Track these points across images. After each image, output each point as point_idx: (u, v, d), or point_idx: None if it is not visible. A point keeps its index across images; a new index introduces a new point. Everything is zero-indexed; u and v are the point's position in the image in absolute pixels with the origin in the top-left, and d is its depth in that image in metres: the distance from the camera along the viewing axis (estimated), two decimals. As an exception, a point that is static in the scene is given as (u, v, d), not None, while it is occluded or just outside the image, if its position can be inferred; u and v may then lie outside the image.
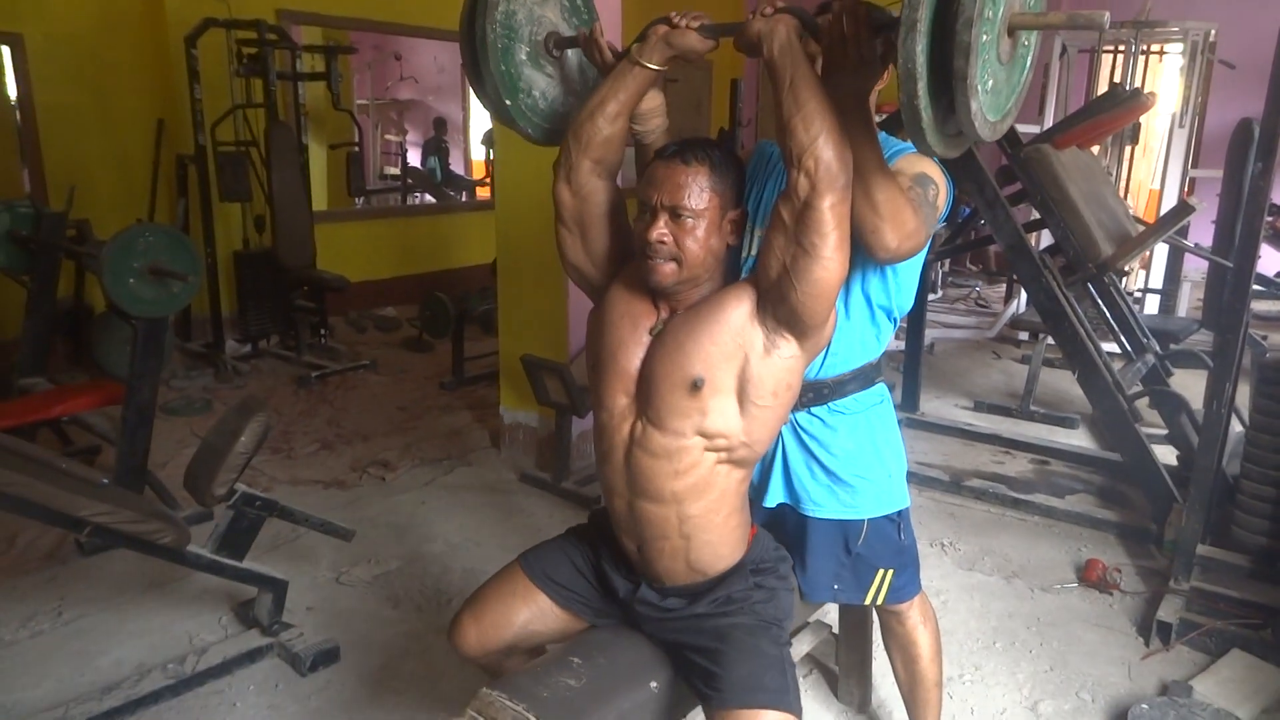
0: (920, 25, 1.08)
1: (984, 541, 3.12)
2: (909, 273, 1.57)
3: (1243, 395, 2.91)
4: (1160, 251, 5.69)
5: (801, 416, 1.64)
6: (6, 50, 4.76)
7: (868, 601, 1.72)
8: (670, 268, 1.38)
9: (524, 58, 1.54)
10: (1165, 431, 3.62)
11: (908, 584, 1.74)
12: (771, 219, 1.33)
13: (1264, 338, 5.52)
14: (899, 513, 1.69)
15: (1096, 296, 3.65)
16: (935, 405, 4.61)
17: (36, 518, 1.92)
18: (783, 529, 1.69)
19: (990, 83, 1.15)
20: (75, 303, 4.71)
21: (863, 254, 1.44)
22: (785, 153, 1.27)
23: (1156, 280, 5.74)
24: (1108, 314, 3.65)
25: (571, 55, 1.62)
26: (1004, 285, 7.34)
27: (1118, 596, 2.75)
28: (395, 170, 9.96)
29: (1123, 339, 3.68)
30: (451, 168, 9.89)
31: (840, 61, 1.27)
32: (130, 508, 2.00)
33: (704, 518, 1.44)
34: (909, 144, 1.55)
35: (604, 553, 1.60)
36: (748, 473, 1.49)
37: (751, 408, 1.39)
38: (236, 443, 2.17)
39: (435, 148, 9.73)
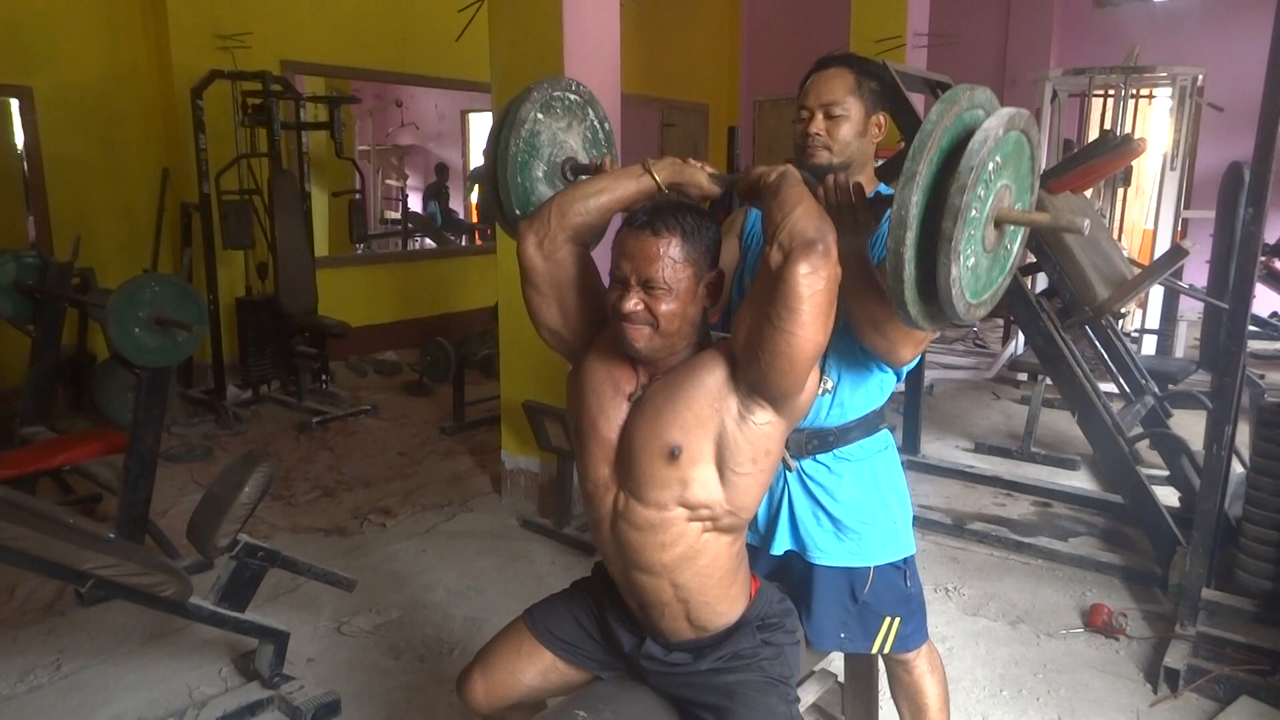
0: (919, 180, 1.17)
1: (988, 586, 3.11)
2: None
3: (1243, 433, 2.92)
4: (1156, 292, 5.74)
5: (807, 464, 1.65)
6: (15, 102, 4.84)
7: (875, 650, 1.71)
8: (646, 332, 1.36)
9: (540, 175, 1.62)
10: (1166, 473, 3.63)
11: (915, 632, 1.73)
12: (750, 289, 1.34)
13: (1261, 377, 5.54)
14: (905, 560, 1.69)
15: (1094, 338, 3.67)
16: (936, 447, 4.61)
17: (40, 571, 1.91)
18: (789, 576, 1.70)
19: (972, 260, 1.23)
20: (78, 350, 4.74)
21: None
22: (766, 237, 1.29)
23: (1153, 321, 5.78)
24: (1105, 356, 3.67)
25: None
26: (1001, 325, 7.37)
27: (1124, 641, 2.73)
28: (396, 215, 10.06)
29: (1121, 381, 3.69)
30: (452, 210, 9.98)
31: (836, 223, 1.31)
32: (133, 560, 2.00)
33: (698, 584, 1.43)
34: None
35: (608, 605, 1.59)
36: (737, 535, 1.46)
37: (731, 475, 1.36)
38: (240, 494, 2.17)
39: (436, 192, 9.84)
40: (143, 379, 2.93)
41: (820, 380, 1.58)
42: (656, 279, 1.33)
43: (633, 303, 1.34)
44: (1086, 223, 1.19)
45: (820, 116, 1.56)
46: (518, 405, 3.55)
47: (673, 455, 1.35)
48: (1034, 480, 4.03)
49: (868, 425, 1.65)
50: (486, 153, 1.61)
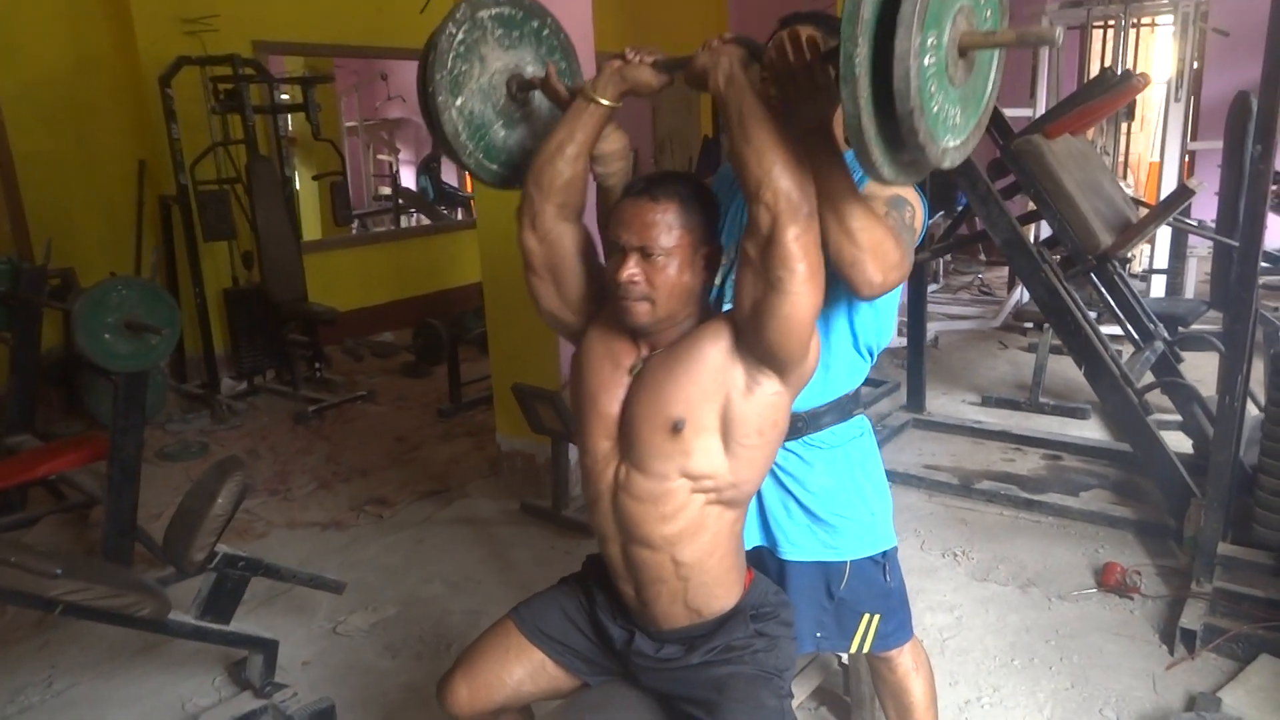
0: (863, 18, 1.01)
1: (997, 548, 3.03)
2: (889, 303, 1.50)
3: (1258, 370, 2.81)
4: (1164, 230, 5.57)
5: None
6: (-20, 102, 4.71)
7: (854, 650, 1.62)
8: (644, 307, 1.33)
9: (477, 108, 1.51)
10: (1179, 417, 3.52)
11: (897, 630, 1.64)
12: (740, 255, 1.28)
13: (1276, 310, 5.40)
14: (884, 553, 1.60)
15: (1099, 284, 3.54)
16: (942, 402, 4.51)
17: (6, 602, 1.85)
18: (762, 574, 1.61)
19: (937, 107, 1.09)
20: (66, 352, 4.66)
21: (845, 287, 1.37)
22: (743, 187, 1.23)
23: (1161, 260, 5.63)
24: (1112, 302, 3.54)
25: (537, 96, 1.59)
26: (1006, 271, 7.23)
27: (1139, 601, 2.65)
28: (389, 190, 9.90)
29: (1129, 327, 3.57)
30: (445, 182, 9.82)
31: (793, 92, 1.21)
32: (103, 581, 1.93)
33: (699, 561, 1.39)
34: None
35: (599, 599, 1.54)
36: (740, 513, 1.43)
37: (737, 447, 1.34)
38: (213, 505, 2.10)
39: (425, 166, 9.67)
40: (119, 385, 2.86)
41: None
42: (654, 245, 1.31)
43: (630, 270, 1.32)
44: (1059, 31, 1.06)
45: None
46: (510, 386, 3.47)
47: (675, 428, 1.32)
48: (1043, 433, 3.94)
49: (840, 410, 1.56)
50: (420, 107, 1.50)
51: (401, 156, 10.69)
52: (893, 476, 3.53)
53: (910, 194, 1.43)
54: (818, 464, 1.56)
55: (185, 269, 5.05)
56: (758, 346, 1.28)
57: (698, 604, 1.42)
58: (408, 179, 10.09)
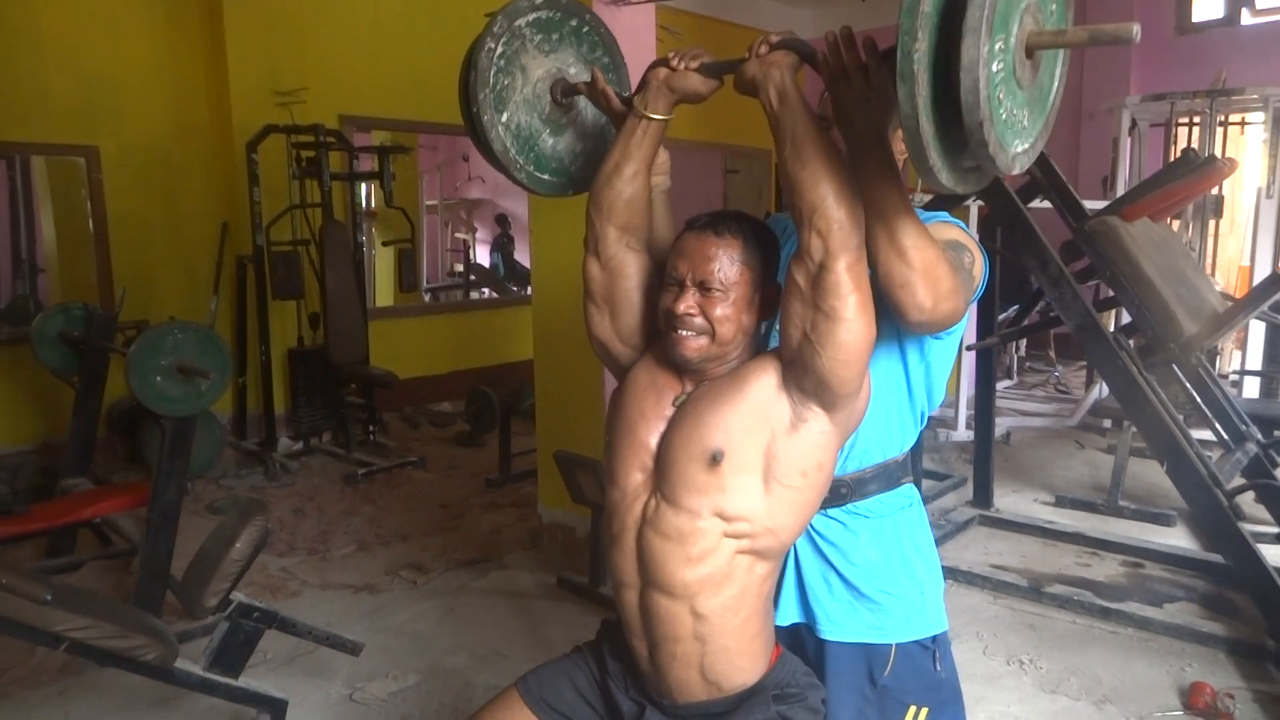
0: (922, 8, 0.94)
1: (1069, 658, 2.76)
2: (943, 358, 1.40)
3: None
4: (1258, 329, 5.26)
5: (817, 520, 1.43)
6: (82, 161, 4.98)
7: None
8: (700, 342, 1.28)
9: (523, 120, 1.47)
10: (1276, 529, 3.22)
11: None
12: (787, 284, 1.22)
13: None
14: (934, 638, 1.43)
15: (1184, 380, 3.31)
16: (1012, 500, 4.25)
17: (9, 634, 1.80)
18: (801, 655, 1.46)
19: (1004, 114, 1.01)
20: (133, 401, 4.77)
21: (892, 334, 1.33)
22: (794, 211, 1.17)
23: (1254, 360, 5.29)
24: (1198, 398, 3.30)
25: (581, 99, 1.54)
26: (1085, 369, 6.92)
27: (1231, 728, 2.36)
28: (462, 267, 10.16)
29: (1218, 426, 3.32)
30: (518, 260, 10.03)
31: (846, 94, 1.17)
32: (112, 620, 1.88)
33: (720, 617, 1.27)
34: (938, 213, 1.42)
35: (611, 668, 1.43)
36: (771, 569, 1.31)
37: (778, 488, 1.25)
38: (231, 550, 2.05)
39: (500, 244, 9.93)
40: (166, 429, 2.88)
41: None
42: (713, 279, 1.27)
43: (686, 304, 1.27)
44: (1136, 27, 0.93)
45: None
46: (553, 454, 3.38)
47: (714, 460, 1.25)
48: (1123, 538, 3.65)
49: (888, 477, 1.43)
50: (466, 127, 1.47)
51: (478, 235, 10.99)
52: (955, 574, 3.30)
53: (969, 241, 1.36)
54: (863, 534, 1.42)
55: (254, 327, 5.17)
56: (808, 379, 1.22)
57: (716, 674, 1.30)
58: (483, 257, 10.35)
